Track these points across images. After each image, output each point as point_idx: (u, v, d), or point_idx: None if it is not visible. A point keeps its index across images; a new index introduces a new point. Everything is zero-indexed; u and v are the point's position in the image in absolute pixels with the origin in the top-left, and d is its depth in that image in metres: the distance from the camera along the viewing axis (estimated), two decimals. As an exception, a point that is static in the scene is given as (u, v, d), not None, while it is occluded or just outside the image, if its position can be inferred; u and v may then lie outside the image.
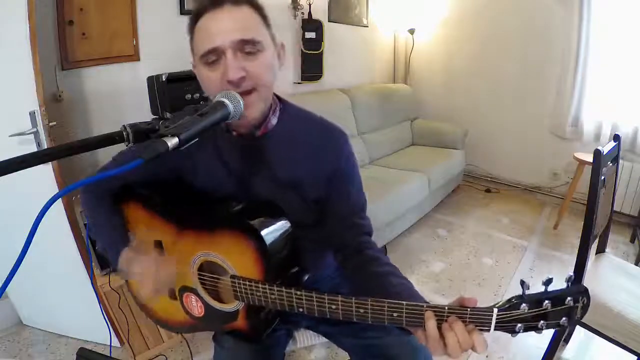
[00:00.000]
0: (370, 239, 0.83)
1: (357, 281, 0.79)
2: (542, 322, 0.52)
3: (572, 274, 0.53)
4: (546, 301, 0.51)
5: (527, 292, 0.52)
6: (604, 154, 1.16)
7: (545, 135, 2.99)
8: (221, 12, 0.64)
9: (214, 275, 0.74)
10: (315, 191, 0.78)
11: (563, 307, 0.51)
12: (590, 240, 1.16)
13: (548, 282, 0.51)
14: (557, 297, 0.51)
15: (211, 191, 0.80)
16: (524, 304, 0.51)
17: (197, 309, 0.79)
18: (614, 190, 1.41)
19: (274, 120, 0.77)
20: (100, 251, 0.84)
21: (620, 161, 1.54)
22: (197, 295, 0.77)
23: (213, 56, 0.64)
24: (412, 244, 2.45)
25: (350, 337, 0.88)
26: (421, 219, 2.68)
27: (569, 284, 0.52)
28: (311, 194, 0.78)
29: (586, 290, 0.52)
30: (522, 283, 0.52)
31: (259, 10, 0.69)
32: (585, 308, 0.52)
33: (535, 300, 0.51)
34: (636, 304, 1.13)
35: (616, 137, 1.32)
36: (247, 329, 0.75)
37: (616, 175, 1.39)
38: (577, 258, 1.18)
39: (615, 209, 1.52)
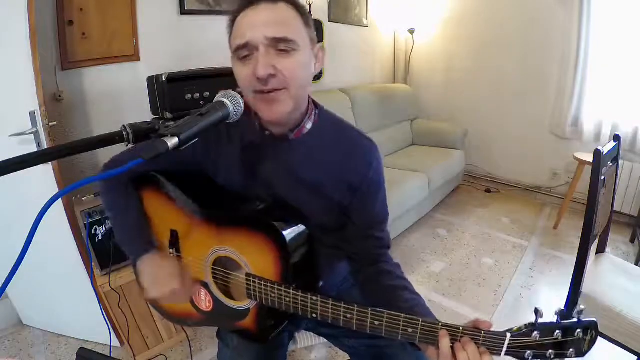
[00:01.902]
0: (387, 252, 0.82)
1: (369, 291, 0.79)
2: (550, 351, 0.53)
3: (582, 307, 0.54)
4: (557, 331, 0.52)
5: (540, 320, 0.53)
6: (604, 154, 1.16)
7: (545, 135, 2.99)
8: (258, 9, 0.64)
9: (228, 272, 0.73)
10: (339, 197, 0.78)
11: (572, 338, 0.52)
12: (590, 240, 1.16)
13: (561, 312, 0.53)
14: (567, 328, 0.52)
15: (233, 188, 0.80)
16: (535, 332, 0.52)
17: (206, 304, 0.79)
18: (614, 190, 1.41)
19: (308, 125, 0.76)
20: (117, 242, 0.84)
21: (620, 161, 1.54)
22: (208, 289, 0.77)
23: (245, 51, 0.64)
24: (412, 244, 2.45)
25: (352, 338, 0.88)
26: (421, 219, 2.68)
27: (580, 316, 0.53)
28: (335, 199, 0.78)
29: (596, 324, 0.53)
30: (536, 312, 0.53)
31: (299, 8, 0.68)
32: (592, 342, 0.53)
33: (547, 330, 0.52)
34: (636, 304, 1.13)
35: (616, 137, 1.32)
36: (255, 329, 0.75)
37: (616, 175, 1.39)
38: (577, 258, 1.18)
39: (615, 209, 1.52)
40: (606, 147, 1.20)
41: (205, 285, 0.77)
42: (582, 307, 0.53)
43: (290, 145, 0.76)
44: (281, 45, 0.64)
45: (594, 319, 0.53)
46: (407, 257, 2.30)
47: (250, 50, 0.64)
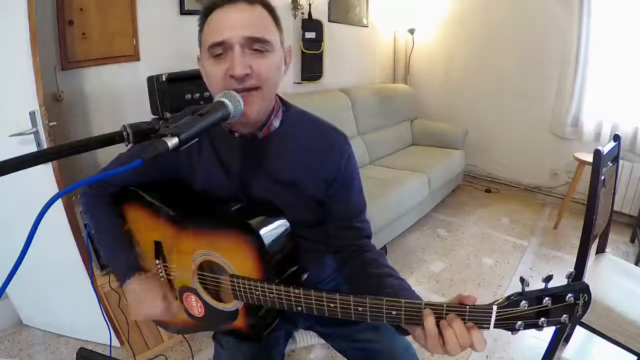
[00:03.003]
0: (369, 241, 0.83)
1: (356, 282, 0.79)
2: (542, 319, 0.51)
3: (573, 270, 0.51)
4: (546, 298, 0.50)
5: (527, 288, 0.51)
6: (604, 154, 1.16)
7: (545, 135, 2.99)
8: (234, 8, 0.65)
9: (214, 275, 0.74)
10: (315, 191, 0.79)
11: (564, 304, 0.50)
12: (590, 240, 1.16)
13: (548, 278, 0.51)
14: (557, 294, 0.50)
15: (210, 192, 0.80)
16: (523, 301, 0.51)
17: (197, 309, 0.79)
18: (614, 190, 1.41)
19: (276, 123, 0.77)
20: (104, 262, 0.86)
21: (620, 161, 1.54)
22: (197, 295, 0.77)
23: (220, 49, 0.64)
24: (412, 244, 2.45)
25: (346, 340, 0.89)
26: (421, 219, 2.68)
27: (570, 280, 0.51)
28: (311, 193, 0.79)
29: (587, 287, 0.51)
30: (522, 280, 0.51)
31: (272, 12, 0.69)
32: (586, 305, 0.51)
33: (535, 297, 0.51)
34: (636, 304, 1.13)
35: (616, 137, 1.32)
36: (246, 329, 0.75)
37: (616, 175, 1.39)
38: (577, 258, 1.19)
39: (615, 209, 1.52)
40: (606, 147, 1.20)
41: (195, 292, 0.77)
42: (571, 270, 0.51)
43: (260, 143, 0.76)
44: (256, 45, 0.64)
45: (585, 282, 0.51)
46: (407, 257, 2.30)
47: (225, 49, 0.64)
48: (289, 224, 0.72)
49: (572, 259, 1.30)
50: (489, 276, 2.09)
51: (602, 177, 1.16)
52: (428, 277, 2.10)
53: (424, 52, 3.53)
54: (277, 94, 0.78)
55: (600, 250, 1.44)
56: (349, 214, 0.82)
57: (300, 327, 0.97)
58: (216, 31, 0.64)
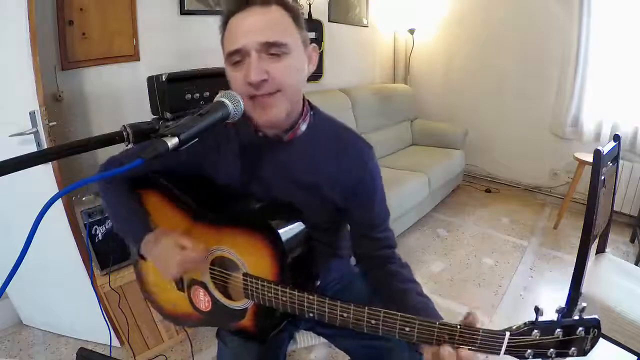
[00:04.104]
0: (393, 252, 0.83)
1: (380, 294, 0.79)
2: (551, 350, 0.52)
3: (584, 304, 0.52)
4: (558, 329, 0.51)
5: (540, 318, 0.52)
6: (604, 154, 1.16)
7: (545, 135, 2.99)
8: (249, 13, 0.64)
9: (226, 272, 0.74)
10: (333, 196, 0.78)
11: (574, 337, 0.51)
12: (590, 240, 1.16)
13: (561, 310, 0.51)
14: (569, 327, 0.51)
15: (230, 188, 0.80)
16: (535, 330, 0.51)
17: (205, 304, 0.79)
18: (614, 190, 1.41)
19: (303, 127, 0.76)
20: (117, 232, 0.84)
21: (620, 161, 1.54)
22: (206, 289, 0.77)
23: (237, 57, 0.65)
24: (412, 244, 2.45)
25: (349, 338, 0.89)
26: (421, 219, 2.68)
27: (581, 314, 0.51)
28: (329, 197, 0.78)
29: (598, 322, 0.51)
30: (537, 310, 0.52)
31: (291, 11, 0.68)
32: (595, 340, 0.52)
33: (548, 328, 0.51)
34: (636, 304, 1.13)
35: (616, 137, 1.32)
36: (253, 329, 0.75)
37: (616, 175, 1.39)
38: (577, 258, 1.18)
39: (615, 209, 1.52)
40: (606, 147, 1.20)
41: (204, 286, 0.77)
42: (583, 304, 0.52)
43: (284, 146, 0.76)
44: (273, 49, 0.64)
45: (596, 317, 0.51)
46: (407, 257, 2.27)
47: (242, 56, 0.64)
48: (305, 227, 0.72)
49: (572, 259, 1.29)
50: (489, 276, 2.09)
51: (602, 177, 1.16)
52: (428, 277, 2.10)
53: (424, 52, 3.53)
54: (307, 99, 0.78)
55: (600, 250, 1.44)
56: (370, 224, 0.81)
57: (301, 328, 0.97)
58: (233, 39, 0.65)
